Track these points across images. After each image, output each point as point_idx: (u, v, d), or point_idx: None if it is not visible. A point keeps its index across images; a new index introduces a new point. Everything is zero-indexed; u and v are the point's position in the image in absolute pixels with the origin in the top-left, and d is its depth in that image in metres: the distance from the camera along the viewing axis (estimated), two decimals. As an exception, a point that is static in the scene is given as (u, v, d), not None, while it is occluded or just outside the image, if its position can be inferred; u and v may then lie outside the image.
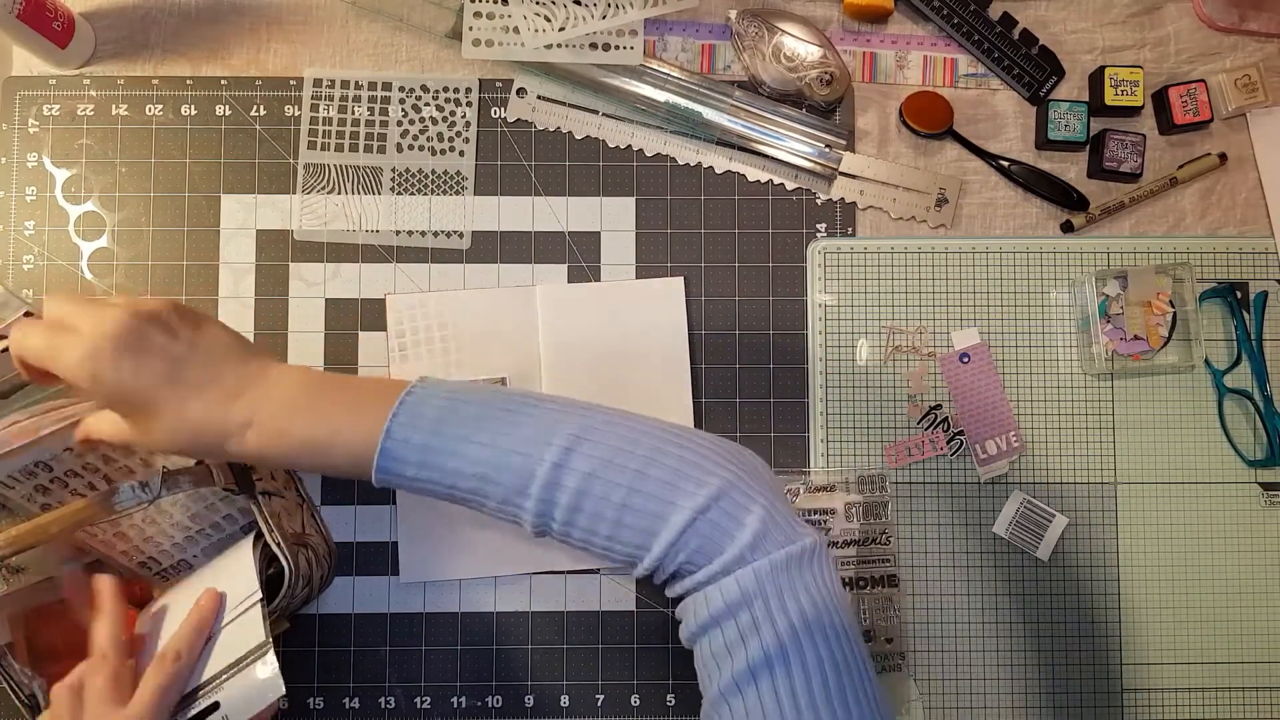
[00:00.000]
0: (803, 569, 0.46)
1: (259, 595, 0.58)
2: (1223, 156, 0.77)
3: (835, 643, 0.45)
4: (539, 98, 0.77)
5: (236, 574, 0.62)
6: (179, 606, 0.61)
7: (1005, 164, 0.77)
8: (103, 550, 0.67)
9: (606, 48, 0.75)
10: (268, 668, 0.57)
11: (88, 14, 0.77)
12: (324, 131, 0.77)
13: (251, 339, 0.75)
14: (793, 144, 0.76)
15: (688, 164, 0.77)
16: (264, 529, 0.61)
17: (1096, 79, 0.77)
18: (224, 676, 0.57)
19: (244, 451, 0.50)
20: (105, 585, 0.60)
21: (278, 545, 0.61)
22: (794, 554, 0.46)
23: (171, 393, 0.49)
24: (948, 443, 0.75)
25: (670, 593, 0.49)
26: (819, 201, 0.77)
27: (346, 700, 0.73)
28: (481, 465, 0.48)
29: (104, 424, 0.53)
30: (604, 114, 0.77)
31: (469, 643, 0.74)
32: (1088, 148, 0.77)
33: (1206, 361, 0.76)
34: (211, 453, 0.51)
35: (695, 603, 0.47)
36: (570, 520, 0.48)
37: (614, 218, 0.77)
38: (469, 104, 0.77)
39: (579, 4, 0.75)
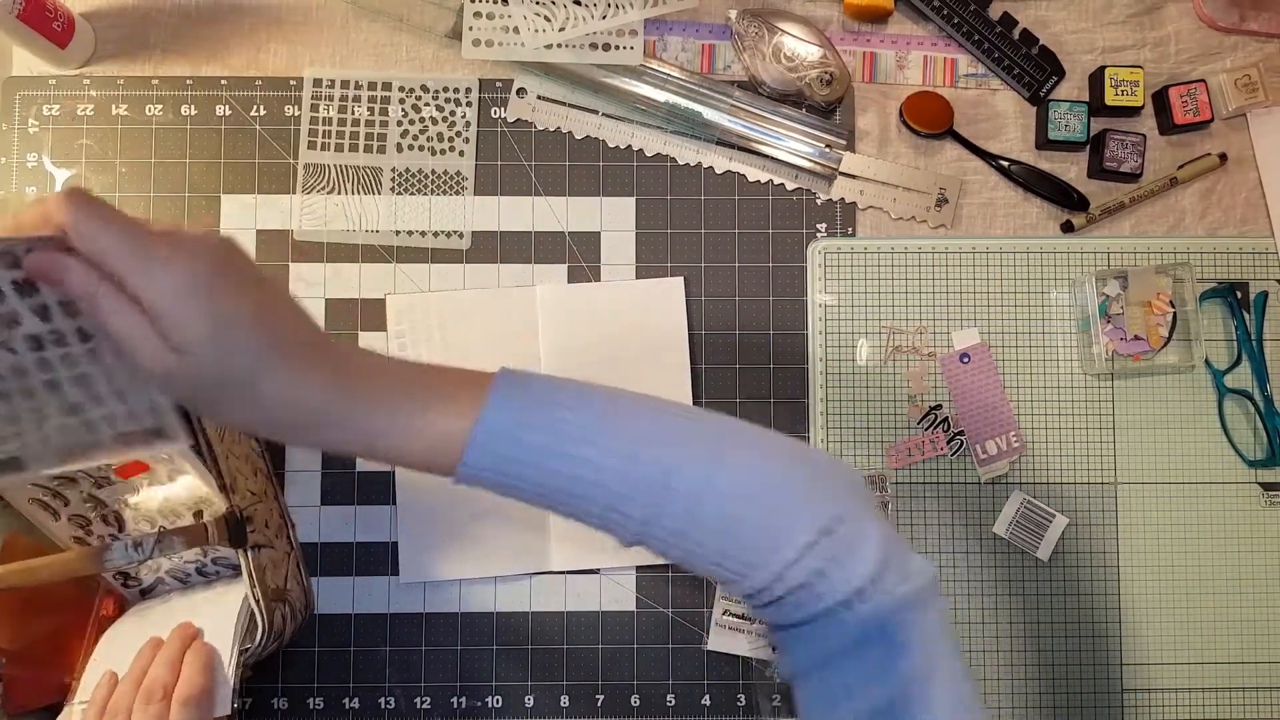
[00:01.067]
0: (926, 608, 0.43)
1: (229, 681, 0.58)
2: (1223, 156, 0.77)
3: (959, 688, 0.42)
4: (539, 98, 0.77)
5: (212, 626, 0.61)
6: (145, 631, 0.61)
7: (1005, 164, 0.77)
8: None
9: (606, 48, 0.75)
10: None
11: (88, 14, 0.77)
12: (324, 131, 0.77)
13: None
14: (793, 144, 0.76)
15: (688, 164, 0.77)
16: (248, 584, 0.61)
17: (1096, 79, 0.77)
18: None
19: (322, 439, 0.42)
20: (198, 649, 0.59)
21: (257, 602, 0.61)
22: (917, 592, 0.43)
23: (278, 360, 0.40)
24: (948, 443, 0.75)
25: (775, 618, 0.45)
26: (819, 201, 0.77)
27: (346, 700, 0.73)
28: (586, 468, 0.42)
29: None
30: (604, 114, 0.77)
31: (469, 643, 0.74)
32: (1088, 148, 0.77)
33: (1207, 361, 0.76)
34: (288, 437, 0.43)
35: (811, 634, 0.43)
36: (680, 532, 0.43)
37: (614, 218, 0.77)
38: (469, 104, 0.77)
39: (579, 4, 0.75)
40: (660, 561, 0.74)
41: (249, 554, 0.61)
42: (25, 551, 0.65)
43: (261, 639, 0.61)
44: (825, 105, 0.77)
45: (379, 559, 0.74)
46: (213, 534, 0.59)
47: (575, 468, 0.42)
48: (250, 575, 0.61)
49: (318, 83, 0.77)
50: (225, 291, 0.38)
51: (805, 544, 0.42)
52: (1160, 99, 0.77)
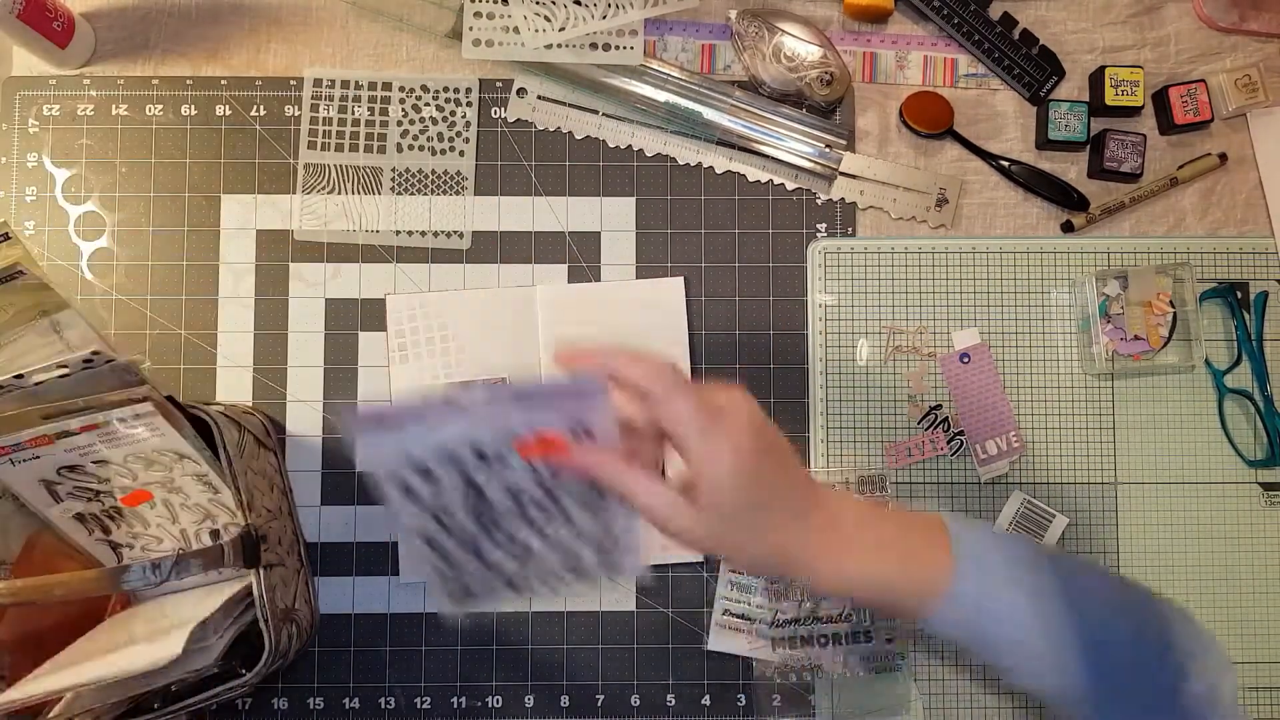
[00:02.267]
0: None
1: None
2: (1223, 156, 0.77)
3: None
4: (539, 98, 0.77)
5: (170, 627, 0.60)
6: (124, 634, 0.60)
7: (1005, 164, 0.77)
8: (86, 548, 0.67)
9: (606, 48, 0.75)
10: None
11: (88, 14, 0.77)
12: (324, 131, 0.77)
13: (251, 339, 0.75)
14: (793, 144, 0.76)
15: (688, 164, 0.77)
16: (257, 604, 0.61)
17: (1097, 79, 0.77)
18: None
19: (804, 580, 0.49)
20: None
21: (265, 622, 0.61)
22: (1233, 694, 0.50)
23: (779, 508, 0.47)
24: (948, 443, 0.75)
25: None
26: (819, 201, 0.77)
27: (346, 700, 0.73)
28: (1026, 630, 0.47)
29: (661, 504, 0.46)
30: (604, 114, 0.77)
31: (469, 643, 0.74)
32: (1088, 148, 0.77)
33: (1207, 361, 0.76)
34: (773, 573, 0.52)
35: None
36: (1108, 689, 0.48)
37: (614, 218, 0.77)
38: (469, 104, 0.77)
39: (579, 4, 0.75)
40: (660, 562, 0.74)
41: (261, 574, 0.61)
42: (47, 550, 0.65)
43: (266, 660, 0.61)
44: (825, 105, 0.77)
45: (379, 559, 0.74)
46: (229, 555, 0.59)
47: (1020, 633, 0.48)
48: (260, 596, 0.61)
49: (318, 83, 0.77)
50: (759, 458, 0.46)
51: (1188, 672, 0.48)
52: (1160, 99, 0.77)
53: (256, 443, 0.69)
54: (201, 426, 0.63)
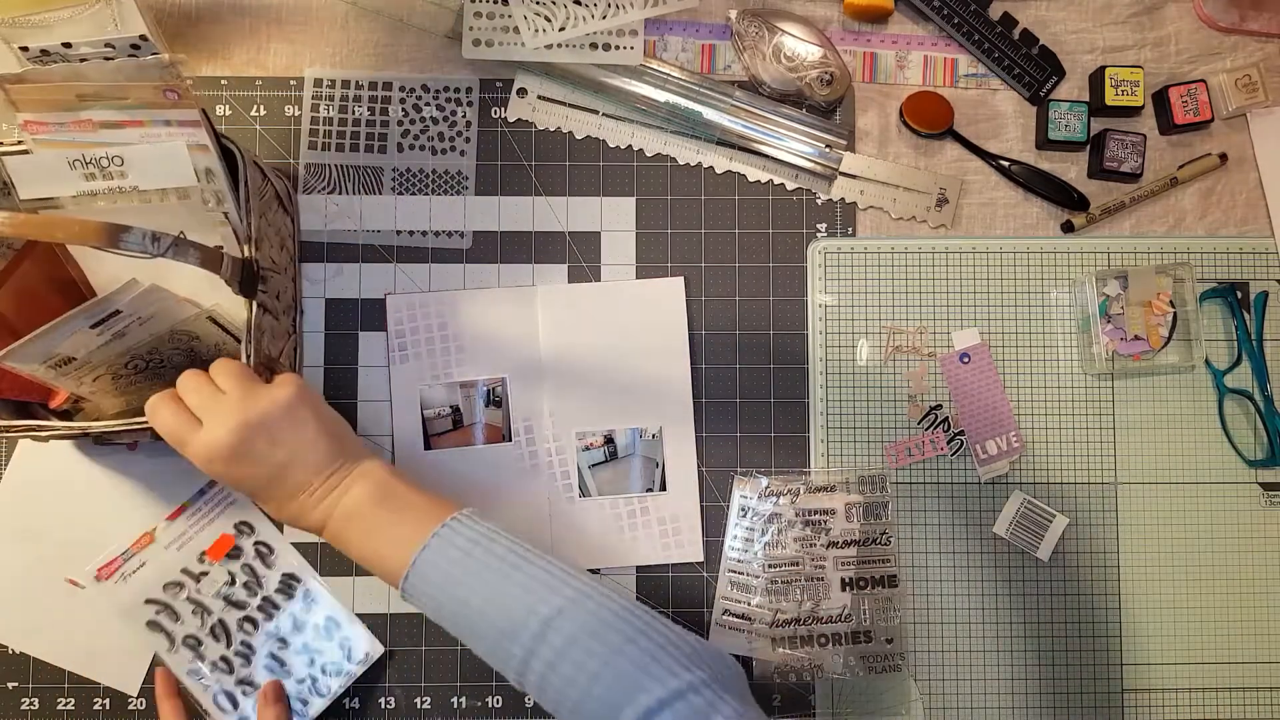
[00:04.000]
0: None
1: None
2: (1223, 156, 0.77)
3: None
4: (539, 98, 0.77)
5: None
6: None
7: (1005, 164, 0.77)
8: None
9: (606, 48, 0.75)
10: None
11: (88, 14, 0.77)
12: (324, 131, 0.77)
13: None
14: (793, 144, 0.76)
15: (688, 164, 0.77)
16: (245, 338, 0.62)
17: (1097, 79, 0.77)
18: None
19: (322, 537, 0.59)
20: None
21: (248, 357, 0.62)
22: None
23: (268, 493, 0.58)
24: (948, 443, 0.75)
25: None
26: (819, 201, 0.77)
27: (347, 700, 0.73)
28: (484, 606, 0.54)
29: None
30: (604, 114, 0.77)
31: (469, 643, 0.74)
32: (1088, 148, 0.77)
33: (1207, 361, 0.76)
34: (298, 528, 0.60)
35: None
36: (545, 677, 0.51)
37: (614, 218, 0.77)
38: (469, 104, 0.77)
39: (579, 4, 0.75)
40: (659, 561, 0.74)
41: (254, 309, 0.62)
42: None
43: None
44: (825, 105, 0.77)
45: (379, 559, 0.74)
46: (227, 266, 0.59)
47: (477, 606, 0.54)
48: (249, 329, 0.62)
49: (318, 83, 0.77)
50: (236, 462, 0.57)
51: (648, 708, 0.48)
52: (1160, 99, 0.77)
53: (277, 199, 0.69)
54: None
